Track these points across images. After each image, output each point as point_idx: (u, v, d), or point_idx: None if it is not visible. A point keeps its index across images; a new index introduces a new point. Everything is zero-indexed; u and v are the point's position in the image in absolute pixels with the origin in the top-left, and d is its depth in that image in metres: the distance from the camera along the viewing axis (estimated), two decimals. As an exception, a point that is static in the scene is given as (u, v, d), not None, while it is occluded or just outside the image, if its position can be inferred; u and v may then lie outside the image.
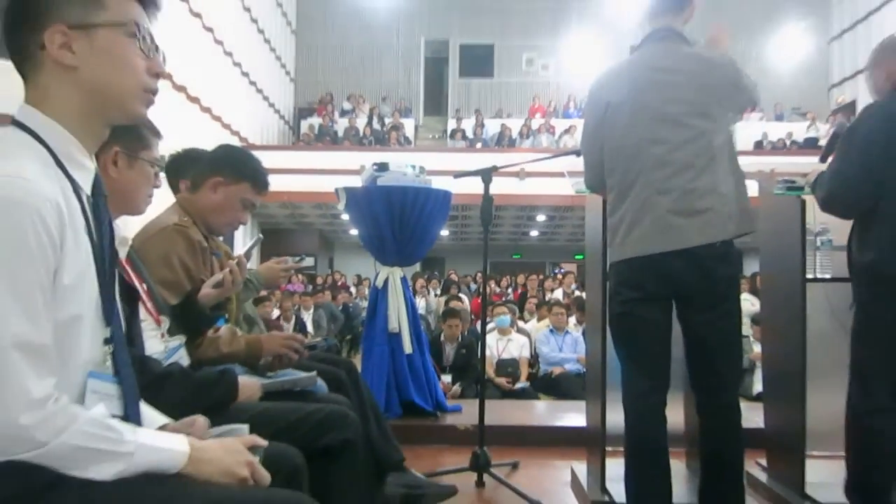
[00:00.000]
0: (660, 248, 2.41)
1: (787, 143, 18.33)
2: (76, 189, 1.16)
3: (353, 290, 15.85)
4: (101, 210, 1.22)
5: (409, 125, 19.44)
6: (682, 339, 2.53)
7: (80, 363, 1.16)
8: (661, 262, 2.41)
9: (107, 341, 1.21)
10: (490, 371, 6.73)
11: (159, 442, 1.19)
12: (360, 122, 18.86)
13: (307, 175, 15.50)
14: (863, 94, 19.91)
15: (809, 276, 3.07)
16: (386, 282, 4.22)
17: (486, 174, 3.41)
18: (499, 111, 20.28)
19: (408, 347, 4.15)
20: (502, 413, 4.45)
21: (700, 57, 2.54)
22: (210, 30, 13.80)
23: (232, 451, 1.26)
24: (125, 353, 1.25)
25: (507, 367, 6.92)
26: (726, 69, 2.53)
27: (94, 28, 1.16)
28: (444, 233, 20.14)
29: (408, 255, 4.30)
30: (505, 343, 7.08)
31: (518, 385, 6.73)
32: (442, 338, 6.63)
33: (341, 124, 18.73)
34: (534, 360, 7.33)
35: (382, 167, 4.19)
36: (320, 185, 16.33)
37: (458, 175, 3.58)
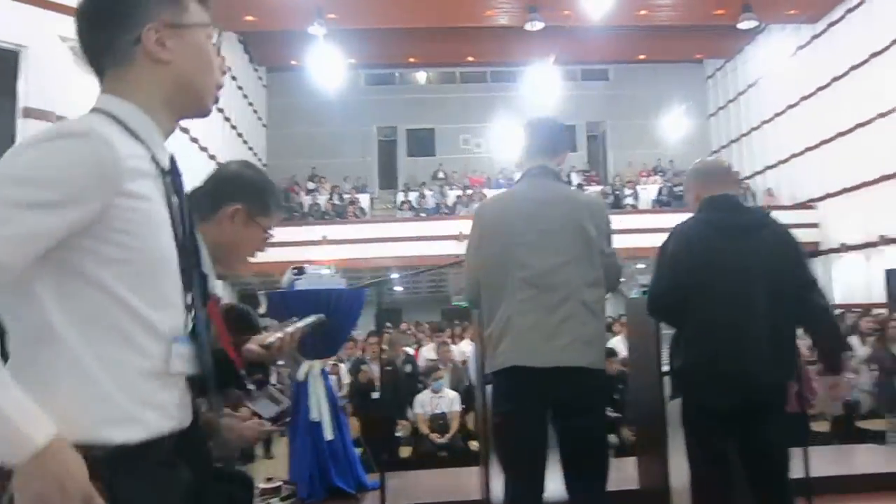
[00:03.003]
0: (524, 362, 2.25)
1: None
2: (154, 159, 1.09)
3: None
4: (178, 185, 1.15)
5: (364, 199, 19.31)
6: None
7: (169, 309, 1.07)
8: (529, 374, 2.24)
9: (188, 308, 1.11)
10: (424, 426, 6.49)
11: (18, 413, 0.88)
12: (322, 199, 18.68)
13: (277, 248, 15.20)
14: (736, 159, 20.51)
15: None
16: (307, 374, 3.96)
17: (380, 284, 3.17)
18: (441, 184, 20.28)
19: (328, 434, 3.88)
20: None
21: (570, 194, 2.44)
22: (195, 140, 13.72)
23: (77, 478, 0.91)
24: (203, 318, 1.14)
25: (439, 420, 6.67)
26: (593, 208, 2.41)
27: (185, 28, 1.12)
28: (399, 288, 19.93)
29: (326, 349, 4.05)
30: (437, 400, 6.82)
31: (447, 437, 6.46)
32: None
33: (306, 201, 18.53)
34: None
35: (300, 271, 3.96)
36: (289, 255, 16.17)
37: (362, 286, 3.33)
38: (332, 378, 6.47)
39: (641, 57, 21.07)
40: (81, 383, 0.98)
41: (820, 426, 6.39)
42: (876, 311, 12.85)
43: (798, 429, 3.15)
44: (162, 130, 1.14)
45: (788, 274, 2.45)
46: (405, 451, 6.43)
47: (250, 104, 19.41)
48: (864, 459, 4.53)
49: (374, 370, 6.45)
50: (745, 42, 19.11)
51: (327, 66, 17.22)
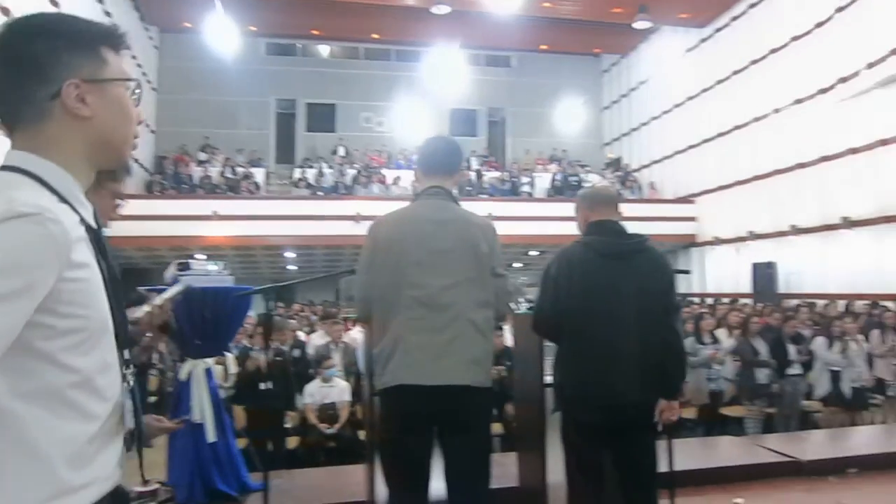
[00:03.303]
0: (412, 380, 2.25)
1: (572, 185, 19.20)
2: (83, 220, 1.07)
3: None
4: (102, 240, 1.13)
5: (260, 174, 18.64)
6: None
7: (110, 370, 1.08)
8: (417, 392, 2.25)
9: (124, 364, 1.13)
10: (312, 416, 6.41)
11: None
12: (214, 172, 17.89)
13: (164, 221, 14.55)
14: (626, 153, 21.41)
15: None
16: (190, 374, 3.80)
17: (268, 291, 3.09)
18: (340, 162, 19.93)
19: (211, 436, 3.75)
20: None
21: (464, 215, 2.44)
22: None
23: None
24: (133, 373, 1.17)
25: (328, 410, 6.60)
26: (485, 229, 2.43)
27: (105, 83, 1.11)
28: (293, 267, 19.52)
29: (211, 349, 3.90)
30: (327, 390, 6.75)
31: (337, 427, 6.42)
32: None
33: (197, 173, 17.68)
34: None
35: (184, 267, 3.75)
36: (176, 229, 15.45)
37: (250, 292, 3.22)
38: (218, 368, 6.27)
39: (543, 47, 21.54)
40: (28, 461, 0.97)
41: (688, 412, 6.87)
42: (743, 300, 13.93)
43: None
44: (81, 186, 1.11)
45: (658, 298, 2.59)
46: (293, 442, 6.33)
47: (139, 66, 18.21)
48: (723, 452, 4.90)
49: (262, 357, 6.28)
50: (640, 40, 19.91)
51: (225, 31, 16.44)
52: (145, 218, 13.21)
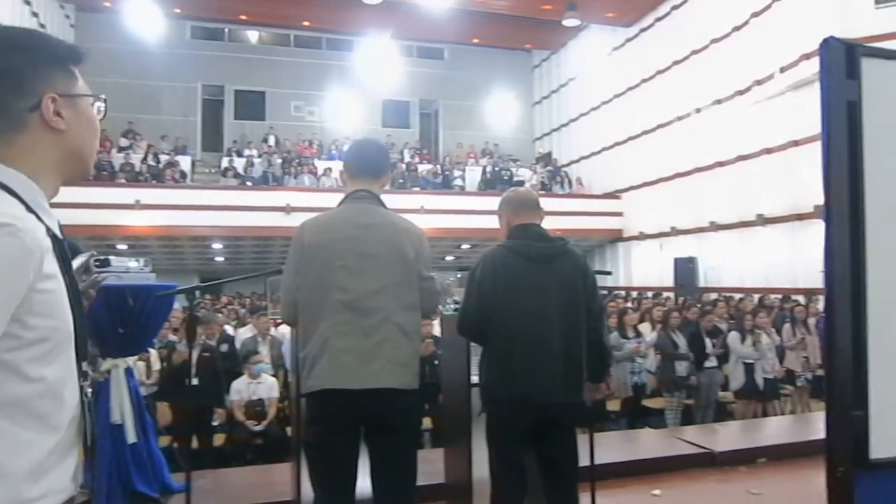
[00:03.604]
0: (339, 384, 2.24)
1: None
2: (49, 231, 1.07)
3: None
4: (65, 251, 1.12)
5: (185, 162, 17.98)
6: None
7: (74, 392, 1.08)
8: (343, 396, 2.24)
9: (85, 376, 1.12)
10: (239, 414, 6.28)
11: None
12: (136, 158, 17.18)
13: (83, 209, 13.87)
14: (556, 148, 21.80)
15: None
16: (109, 373, 3.66)
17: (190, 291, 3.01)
18: (269, 150, 19.47)
19: (131, 437, 3.63)
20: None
21: (391, 219, 2.44)
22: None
23: None
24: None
25: (256, 406, 6.48)
26: (413, 233, 2.43)
27: (77, 98, 1.16)
28: (220, 259, 19.02)
29: (132, 347, 3.77)
30: (255, 386, 6.61)
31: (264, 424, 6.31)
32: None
33: (118, 160, 16.94)
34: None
35: (104, 263, 3.59)
36: (97, 218, 14.77)
37: (173, 292, 3.12)
38: (141, 364, 6.05)
39: (475, 41, 21.64)
40: None
41: (612, 405, 7.09)
42: (666, 294, 14.45)
43: (590, 413, 3.42)
44: (46, 196, 1.13)
45: (581, 300, 2.67)
46: (219, 439, 6.19)
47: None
48: (643, 445, 5.09)
49: (187, 352, 6.09)
50: (569, 37, 20.29)
51: (147, 12, 15.79)
52: (61, 206, 12.42)
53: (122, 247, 15.80)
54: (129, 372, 3.76)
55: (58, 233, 1.11)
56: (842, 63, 1.79)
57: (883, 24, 10.24)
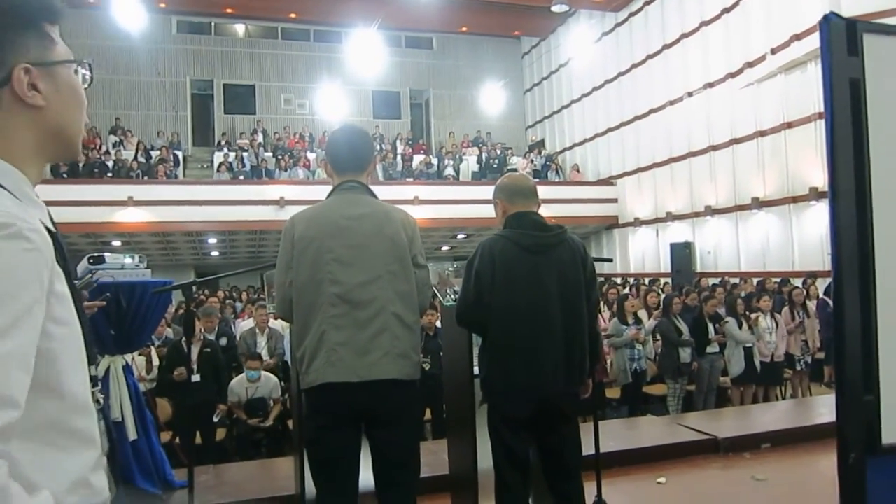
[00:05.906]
0: (338, 378, 2.22)
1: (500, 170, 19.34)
2: (43, 224, 0.92)
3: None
4: (63, 245, 0.97)
5: (177, 157, 17.90)
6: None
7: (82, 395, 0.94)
8: (342, 390, 2.22)
9: (94, 381, 1.02)
10: (241, 413, 6.23)
11: None
12: (127, 155, 17.05)
13: (75, 207, 13.77)
14: (548, 136, 21.73)
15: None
16: (107, 371, 3.62)
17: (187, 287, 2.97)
18: (261, 144, 19.34)
19: (131, 434, 3.61)
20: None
21: (381, 208, 2.40)
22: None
23: None
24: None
25: (257, 406, 6.42)
26: (405, 221, 2.40)
27: (55, 66, 0.97)
28: (215, 253, 18.93)
29: (129, 344, 3.73)
30: (255, 388, 6.55)
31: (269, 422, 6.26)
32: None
33: (109, 157, 16.81)
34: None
35: (98, 260, 3.55)
36: (89, 216, 14.66)
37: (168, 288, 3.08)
38: (141, 360, 6.01)
39: (464, 29, 21.52)
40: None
41: (612, 393, 7.09)
42: (663, 280, 14.47)
43: (593, 402, 3.40)
44: (30, 181, 0.97)
45: (581, 289, 2.64)
46: (221, 434, 6.14)
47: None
48: (646, 432, 5.08)
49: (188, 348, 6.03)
50: (558, 24, 20.18)
51: (131, 7, 15.61)
52: (53, 203, 12.35)
53: (116, 243, 15.73)
54: (127, 369, 3.73)
55: (50, 225, 0.97)
56: (843, 40, 1.75)
57: (871, 4, 10.20)
